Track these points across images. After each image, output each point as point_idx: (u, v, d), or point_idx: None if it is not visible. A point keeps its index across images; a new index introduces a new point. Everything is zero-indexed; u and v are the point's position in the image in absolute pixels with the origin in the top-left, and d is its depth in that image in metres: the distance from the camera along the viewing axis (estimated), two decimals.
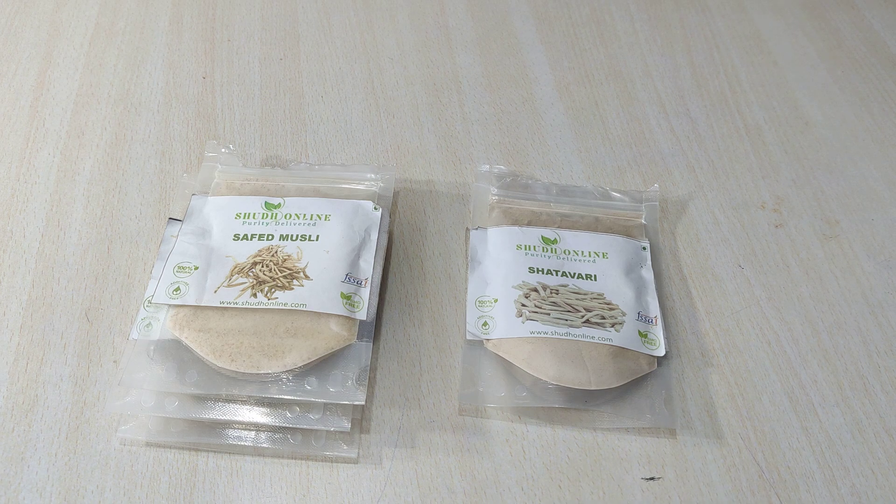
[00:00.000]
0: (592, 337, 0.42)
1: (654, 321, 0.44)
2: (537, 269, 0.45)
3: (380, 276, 0.45)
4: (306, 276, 0.43)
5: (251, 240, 0.45)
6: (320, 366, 0.40)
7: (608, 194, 0.51)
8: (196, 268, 0.43)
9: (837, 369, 0.44)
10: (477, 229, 0.48)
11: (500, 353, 0.42)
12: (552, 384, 0.40)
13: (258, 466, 0.40)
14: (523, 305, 0.43)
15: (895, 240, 0.51)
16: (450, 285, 0.47)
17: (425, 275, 0.48)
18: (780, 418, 0.42)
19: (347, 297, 0.42)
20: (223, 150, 0.50)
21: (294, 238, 0.45)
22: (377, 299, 0.44)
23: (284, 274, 0.43)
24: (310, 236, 0.45)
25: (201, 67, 0.59)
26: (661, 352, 0.43)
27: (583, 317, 0.43)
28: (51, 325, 0.44)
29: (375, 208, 0.47)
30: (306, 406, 0.40)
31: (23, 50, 0.60)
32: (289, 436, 0.40)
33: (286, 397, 0.39)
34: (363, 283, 0.44)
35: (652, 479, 0.40)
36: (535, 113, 0.57)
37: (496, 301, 0.44)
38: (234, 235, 0.45)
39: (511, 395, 0.41)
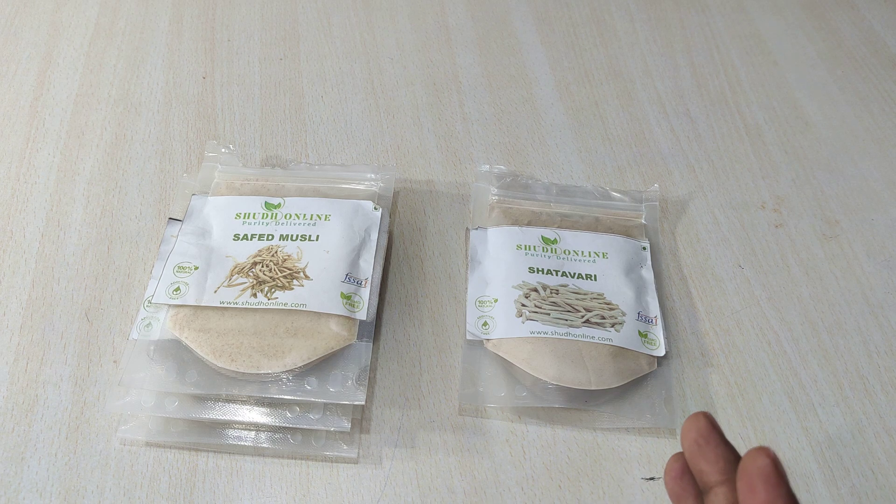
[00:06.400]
0: (592, 337, 0.42)
1: (654, 321, 0.44)
2: (537, 269, 0.45)
3: (380, 276, 0.45)
4: (306, 276, 0.43)
5: (251, 240, 0.45)
6: (320, 366, 0.40)
7: (608, 194, 0.51)
8: (196, 268, 0.43)
9: (837, 369, 0.44)
10: (477, 229, 0.48)
11: (500, 353, 0.42)
12: (552, 384, 0.40)
13: (258, 466, 0.40)
14: (523, 305, 0.43)
15: (895, 240, 0.51)
16: (450, 285, 0.47)
17: (425, 275, 0.48)
18: (780, 418, 0.42)
19: (347, 297, 0.42)
20: (223, 150, 0.50)
21: (294, 238, 0.45)
22: (377, 299, 0.44)
23: (284, 274, 0.43)
24: (310, 236, 0.45)
25: (201, 67, 0.59)
26: (661, 352, 0.43)
27: (583, 317, 0.43)
28: (51, 325, 0.44)
29: (375, 208, 0.47)
30: (306, 406, 0.40)
31: (23, 50, 0.60)
32: (289, 436, 0.40)
33: (286, 397, 0.39)
34: (363, 283, 0.44)
35: (652, 479, 0.40)
36: (535, 113, 0.57)
37: (496, 301, 0.44)
38: (234, 235, 0.45)
39: (511, 395, 0.41)
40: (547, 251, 0.46)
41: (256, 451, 0.40)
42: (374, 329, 0.42)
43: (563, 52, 0.62)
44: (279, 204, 0.47)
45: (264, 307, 0.41)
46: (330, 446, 0.40)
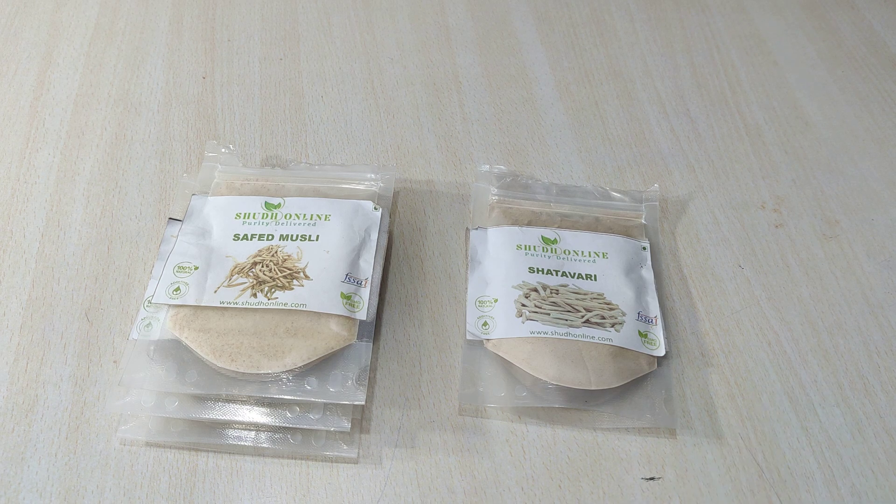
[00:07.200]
0: (592, 337, 0.42)
1: (654, 321, 0.44)
2: (537, 269, 0.45)
3: (380, 276, 0.45)
4: (306, 276, 0.43)
5: (251, 240, 0.45)
6: (320, 366, 0.40)
7: (608, 194, 0.51)
8: (196, 268, 0.43)
9: (837, 369, 0.44)
10: (477, 229, 0.48)
11: (500, 353, 0.42)
12: (552, 384, 0.40)
13: (258, 466, 0.40)
14: (523, 305, 0.43)
15: (895, 240, 0.51)
16: (450, 285, 0.47)
17: (425, 275, 0.48)
18: (780, 418, 0.42)
19: (347, 297, 0.42)
20: (223, 150, 0.50)
21: (294, 238, 0.45)
22: (377, 299, 0.44)
23: (284, 274, 0.43)
24: (310, 236, 0.45)
25: (201, 67, 0.59)
26: (661, 352, 0.43)
27: (583, 317, 0.43)
28: (51, 325, 0.44)
29: (375, 208, 0.47)
30: (306, 406, 0.40)
31: (23, 50, 0.60)
32: (289, 436, 0.40)
33: (286, 397, 0.39)
34: (363, 283, 0.44)
35: (652, 479, 0.40)
36: (535, 113, 0.57)
37: (496, 301, 0.44)
38: (234, 235, 0.45)
39: (511, 395, 0.41)
40: (547, 251, 0.46)
41: (256, 451, 0.40)
42: (374, 329, 0.42)
43: (563, 52, 0.62)
44: (279, 204, 0.47)
45: (264, 307, 0.41)
46: (330, 446, 0.40)
